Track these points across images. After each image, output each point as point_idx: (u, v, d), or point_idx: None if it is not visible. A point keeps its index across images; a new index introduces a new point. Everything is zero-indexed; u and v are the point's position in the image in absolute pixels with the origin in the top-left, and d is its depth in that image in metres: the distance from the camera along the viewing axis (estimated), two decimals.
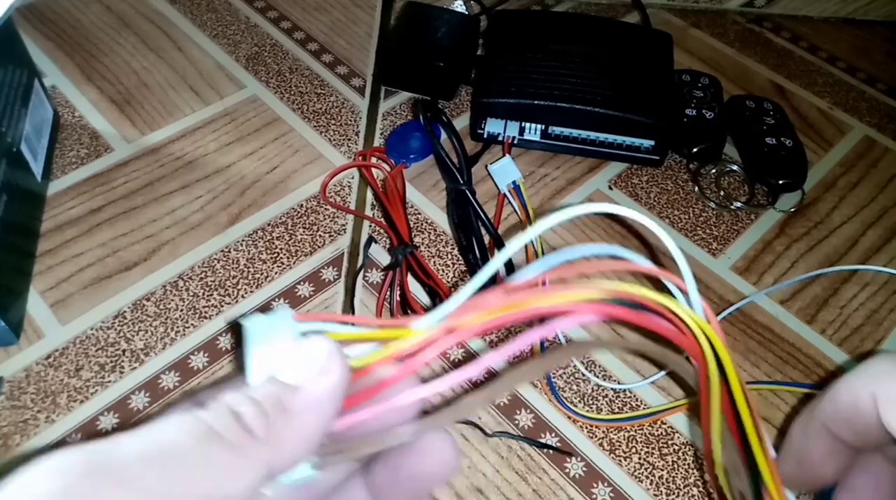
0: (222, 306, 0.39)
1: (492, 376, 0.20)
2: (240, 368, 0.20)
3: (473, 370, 0.20)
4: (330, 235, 0.43)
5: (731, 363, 0.21)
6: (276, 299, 0.40)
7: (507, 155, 0.45)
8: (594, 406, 0.37)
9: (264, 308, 0.39)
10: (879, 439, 0.24)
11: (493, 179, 0.45)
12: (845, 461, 0.26)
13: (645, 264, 0.21)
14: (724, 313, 0.41)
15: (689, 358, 0.21)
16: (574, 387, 0.37)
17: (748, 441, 0.22)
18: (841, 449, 0.26)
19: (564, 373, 0.38)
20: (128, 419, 0.35)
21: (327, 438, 0.20)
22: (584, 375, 0.38)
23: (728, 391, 0.21)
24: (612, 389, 0.38)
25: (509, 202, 0.44)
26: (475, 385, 0.24)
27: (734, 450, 0.22)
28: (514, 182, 0.44)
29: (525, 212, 0.43)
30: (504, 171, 0.45)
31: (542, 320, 0.21)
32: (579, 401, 0.37)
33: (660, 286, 0.22)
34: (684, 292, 0.21)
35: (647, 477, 0.35)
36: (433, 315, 0.20)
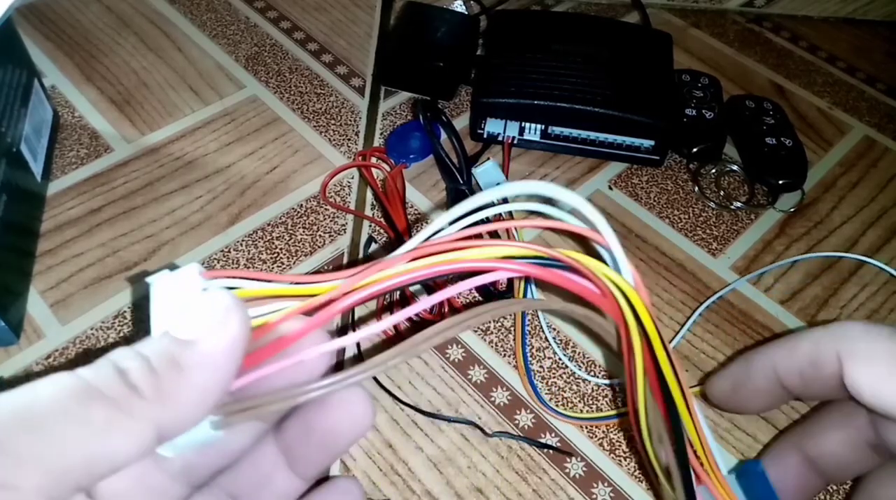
0: None
1: (409, 332, 0.20)
2: (145, 330, 0.19)
3: (381, 326, 0.20)
4: (330, 236, 0.43)
5: (652, 325, 0.20)
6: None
7: (489, 159, 0.45)
8: (594, 406, 0.37)
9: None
10: (826, 393, 0.26)
11: (477, 183, 0.45)
12: (776, 402, 0.28)
13: (572, 222, 0.20)
14: (708, 302, 0.41)
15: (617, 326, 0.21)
16: (574, 387, 0.37)
17: (675, 408, 0.21)
18: (778, 392, 0.27)
19: (564, 373, 0.38)
20: None
21: (229, 396, 0.18)
22: (583, 376, 0.38)
23: (652, 356, 0.21)
24: (612, 386, 0.38)
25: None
26: (391, 341, 0.23)
27: (661, 419, 0.22)
28: (497, 183, 0.44)
29: (508, 215, 0.43)
30: (488, 174, 0.44)
31: (459, 277, 0.20)
32: (579, 401, 0.37)
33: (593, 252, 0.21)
34: (609, 251, 0.20)
35: (648, 477, 0.35)
36: (346, 274, 0.20)
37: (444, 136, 0.46)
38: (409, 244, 0.20)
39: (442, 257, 0.20)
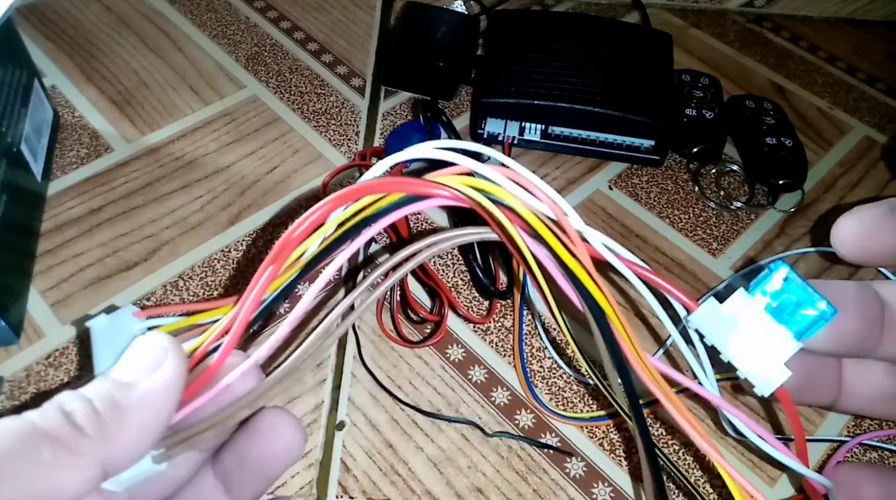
0: None
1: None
2: (88, 370, 0.21)
3: (287, 326, 0.21)
4: None
5: (541, 226, 0.21)
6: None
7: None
8: (594, 406, 0.37)
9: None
10: None
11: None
12: None
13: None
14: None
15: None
16: (573, 387, 0.37)
17: (594, 301, 0.22)
18: None
19: (564, 373, 0.38)
20: None
21: (169, 430, 0.20)
22: (582, 377, 0.38)
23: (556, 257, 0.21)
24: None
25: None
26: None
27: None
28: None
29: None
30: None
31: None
32: (579, 401, 0.37)
33: None
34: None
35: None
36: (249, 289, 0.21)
37: (444, 136, 0.46)
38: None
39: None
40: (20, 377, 0.36)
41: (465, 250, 0.41)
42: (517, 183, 0.21)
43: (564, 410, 0.37)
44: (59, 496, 0.17)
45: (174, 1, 0.56)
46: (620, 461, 0.35)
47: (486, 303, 0.41)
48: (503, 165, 0.22)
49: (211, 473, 0.23)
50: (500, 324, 0.40)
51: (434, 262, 0.42)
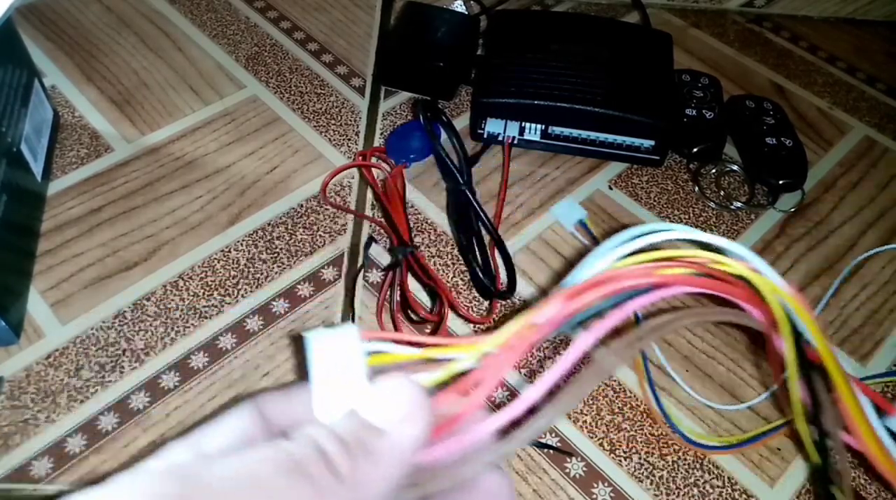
0: (222, 306, 0.39)
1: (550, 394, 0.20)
2: (302, 376, 0.20)
3: (540, 388, 0.20)
4: (330, 236, 0.43)
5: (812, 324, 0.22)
6: (276, 300, 0.40)
7: (567, 196, 0.45)
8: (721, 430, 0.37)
9: (264, 309, 0.39)
10: None
11: (559, 221, 0.45)
12: None
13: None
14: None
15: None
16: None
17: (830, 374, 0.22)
18: None
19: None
20: (128, 419, 0.35)
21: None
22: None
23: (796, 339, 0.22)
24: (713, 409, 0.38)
25: (577, 239, 0.44)
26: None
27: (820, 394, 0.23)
28: (580, 220, 0.44)
29: (590, 237, 0.43)
30: (568, 211, 0.44)
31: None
32: (710, 429, 0.37)
33: None
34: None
35: (647, 477, 0.35)
36: (506, 328, 0.21)
37: (444, 136, 0.46)
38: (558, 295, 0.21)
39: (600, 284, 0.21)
40: (20, 377, 0.36)
41: (465, 250, 0.41)
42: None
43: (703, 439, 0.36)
44: None
45: (174, 1, 0.56)
46: (620, 461, 0.35)
47: (486, 303, 0.41)
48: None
49: None
50: (500, 324, 0.40)
51: (434, 262, 0.42)
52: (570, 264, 0.43)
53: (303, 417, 0.22)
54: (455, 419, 0.20)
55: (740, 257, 0.22)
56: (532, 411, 0.20)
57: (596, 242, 0.43)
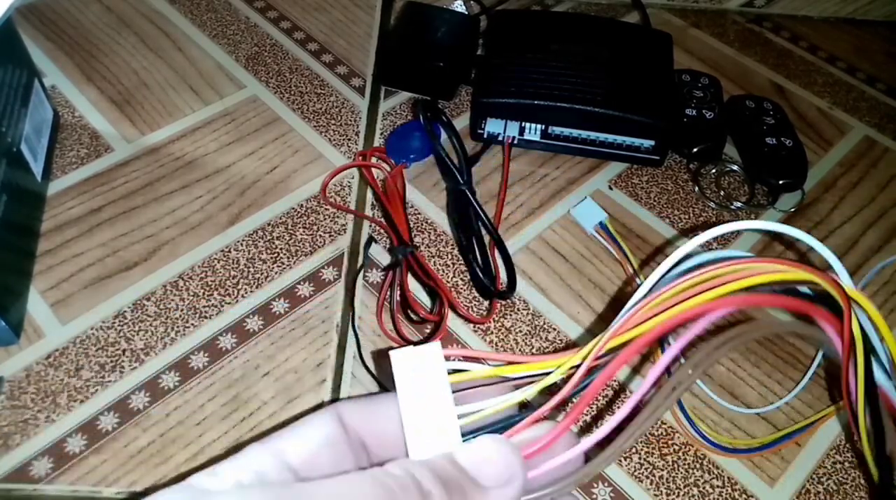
0: (222, 306, 0.39)
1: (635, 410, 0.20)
2: (386, 389, 0.21)
3: (627, 407, 0.20)
4: (330, 235, 0.43)
5: (882, 322, 0.21)
6: (276, 299, 0.40)
7: (587, 197, 0.45)
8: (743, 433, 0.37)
9: (264, 309, 0.39)
10: None
11: (578, 223, 0.44)
12: None
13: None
14: None
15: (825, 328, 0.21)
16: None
17: None
18: None
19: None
20: (128, 419, 0.35)
21: None
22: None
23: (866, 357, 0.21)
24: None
25: (598, 240, 0.44)
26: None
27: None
28: (600, 222, 0.44)
29: (618, 248, 0.43)
30: (589, 212, 0.44)
31: (672, 331, 0.21)
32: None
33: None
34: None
35: (647, 477, 0.35)
36: (587, 347, 0.21)
37: (444, 136, 0.46)
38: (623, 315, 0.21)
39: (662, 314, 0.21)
40: (20, 377, 0.36)
41: (465, 250, 0.41)
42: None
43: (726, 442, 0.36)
44: None
45: (174, 1, 0.56)
46: (620, 461, 0.35)
47: (486, 303, 0.41)
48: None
49: None
50: (499, 324, 0.40)
51: (434, 262, 0.42)
52: (571, 264, 0.43)
53: (385, 429, 0.22)
54: (545, 444, 0.21)
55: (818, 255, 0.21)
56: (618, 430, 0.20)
57: (617, 244, 0.42)
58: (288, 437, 0.21)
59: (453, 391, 0.22)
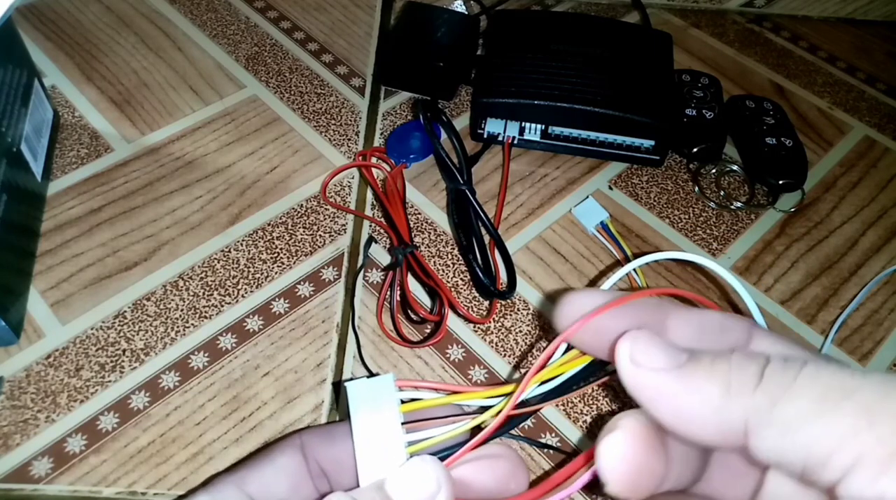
0: (223, 306, 0.39)
1: None
2: (342, 419, 0.25)
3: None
4: (330, 235, 0.43)
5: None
6: (276, 299, 0.40)
7: (589, 197, 0.45)
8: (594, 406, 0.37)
9: (264, 309, 0.39)
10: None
11: (580, 222, 0.44)
12: None
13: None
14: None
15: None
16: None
17: None
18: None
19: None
20: (128, 419, 0.35)
21: None
22: None
23: None
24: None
25: (598, 240, 0.44)
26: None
27: None
28: (601, 222, 0.44)
29: (619, 248, 0.43)
30: (590, 212, 0.44)
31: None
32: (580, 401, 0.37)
33: None
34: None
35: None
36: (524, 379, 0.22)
37: (444, 136, 0.46)
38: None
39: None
40: (20, 377, 0.36)
41: (465, 250, 0.41)
42: None
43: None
44: None
45: (174, 1, 0.56)
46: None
47: (486, 303, 0.41)
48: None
49: None
50: (499, 324, 0.40)
51: (434, 262, 0.42)
52: (571, 264, 0.43)
53: (342, 457, 0.24)
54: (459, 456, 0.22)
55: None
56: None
57: (618, 244, 0.42)
58: (250, 467, 0.24)
59: (407, 420, 0.24)
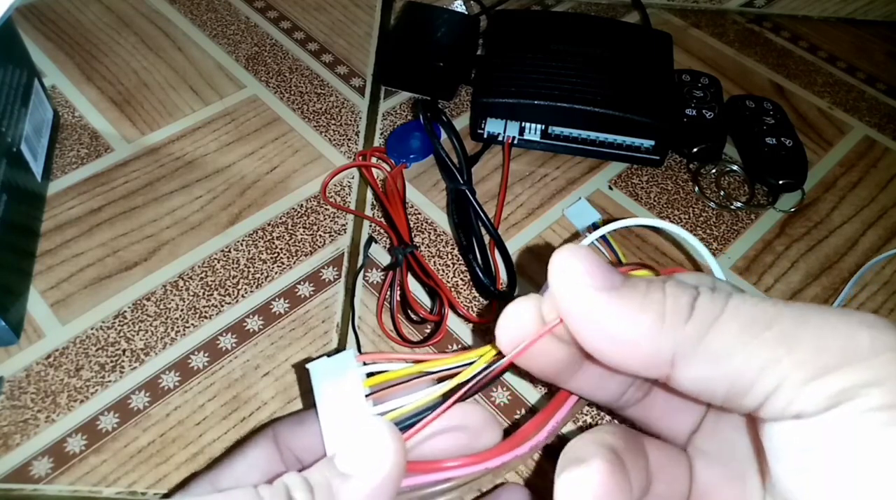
0: (222, 306, 0.39)
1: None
2: (311, 405, 0.24)
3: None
4: (330, 235, 0.43)
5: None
6: (276, 299, 0.40)
7: (581, 198, 0.45)
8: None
9: (264, 309, 0.39)
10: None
11: (571, 222, 0.44)
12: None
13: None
14: None
15: None
16: None
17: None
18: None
19: None
20: (128, 419, 0.35)
21: None
22: None
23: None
24: None
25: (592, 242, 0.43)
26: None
27: None
28: (593, 224, 0.44)
29: (611, 250, 0.42)
30: (582, 213, 0.44)
31: None
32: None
33: None
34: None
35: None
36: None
37: (444, 136, 0.46)
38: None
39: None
40: (20, 377, 0.36)
41: (465, 250, 0.41)
42: None
43: None
44: None
45: (174, 1, 0.56)
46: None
47: (486, 303, 0.41)
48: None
49: None
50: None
51: (434, 262, 0.42)
52: None
53: (314, 443, 0.24)
54: (442, 467, 0.22)
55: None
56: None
57: (609, 245, 0.42)
58: (224, 463, 0.24)
59: (373, 392, 0.23)
